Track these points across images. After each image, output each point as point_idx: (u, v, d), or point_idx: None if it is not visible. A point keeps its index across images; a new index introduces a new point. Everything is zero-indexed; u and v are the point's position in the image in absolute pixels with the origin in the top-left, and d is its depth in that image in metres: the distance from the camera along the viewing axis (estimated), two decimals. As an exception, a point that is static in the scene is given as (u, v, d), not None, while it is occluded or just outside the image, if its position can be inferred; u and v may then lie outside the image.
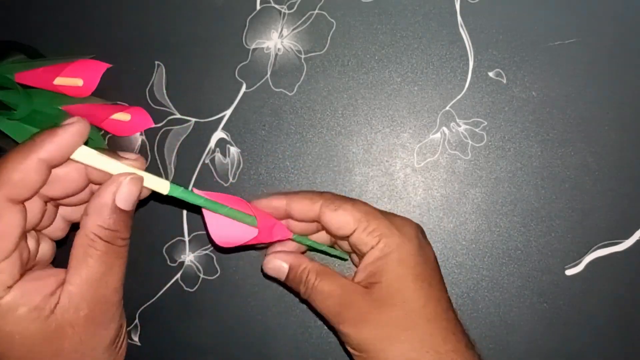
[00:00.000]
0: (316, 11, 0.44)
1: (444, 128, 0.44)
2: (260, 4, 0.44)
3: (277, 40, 0.44)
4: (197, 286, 0.45)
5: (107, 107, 0.43)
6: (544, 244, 0.44)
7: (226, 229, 0.28)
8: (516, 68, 0.44)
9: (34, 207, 0.24)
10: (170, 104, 0.44)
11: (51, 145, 0.22)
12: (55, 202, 0.26)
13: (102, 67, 0.43)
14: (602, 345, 0.44)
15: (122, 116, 0.43)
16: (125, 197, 0.24)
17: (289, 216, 0.32)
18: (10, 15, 0.45)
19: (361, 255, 0.31)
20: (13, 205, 0.22)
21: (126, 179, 0.24)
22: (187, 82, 0.45)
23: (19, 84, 0.41)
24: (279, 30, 0.44)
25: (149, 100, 0.44)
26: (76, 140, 0.23)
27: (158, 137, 0.45)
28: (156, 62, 0.45)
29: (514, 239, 0.44)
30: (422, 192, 0.44)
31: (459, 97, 0.44)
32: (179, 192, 0.27)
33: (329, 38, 0.44)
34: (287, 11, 0.44)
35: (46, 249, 0.27)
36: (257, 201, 0.32)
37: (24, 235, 0.24)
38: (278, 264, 0.31)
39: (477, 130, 0.44)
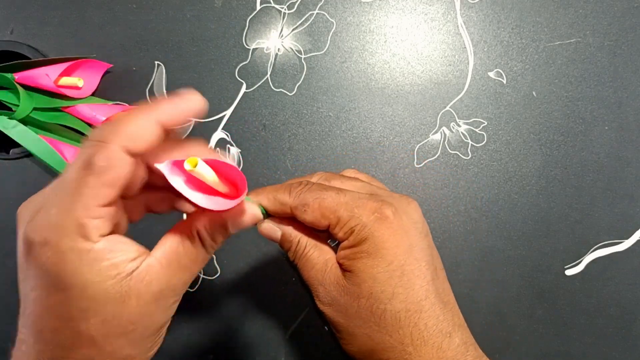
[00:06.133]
0: (316, 11, 0.44)
1: (444, 128, 0.44)
2: (260, 4, 0.44)
3: (277, 40, 0.44)
4: (197, 286, 0.45)
5: (108, 107, 0.43)
6: (544, 244, 0.44)
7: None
8: (516, 68, 0.44)
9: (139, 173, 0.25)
10: (170, 104, 0.44)
11: (167, 108, 0.24)
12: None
13: (103, 67, 0.43)
14: (602, 345, 0.44)
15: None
16: (236, 225, 0.27)
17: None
18: (11, 15, 0.45)
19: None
20: (127, 156, 0.23)
21: (248, 211, 0.27)
22: (187, 82, 0.44)
23: (19, 84, 0.41)
24: (279, 30, 0.44)
25: (149, 100, 0.44)
26: (190, 108, 0.24)
27: (158, 137, 0.45)
28: (156, 62, 0.45)
29: (514, 239, 0.44)
30: (422, 192, 0.44)
31: (459, 97, 0.44)
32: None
33: (329, 38, 0.44)
34: (287, 11, 0.44)
35: (123, 226, 0.28)
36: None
37: (123, 189, 0.24)
38: (271, 226, 0.31)
39: (477, 130, 0.44)
